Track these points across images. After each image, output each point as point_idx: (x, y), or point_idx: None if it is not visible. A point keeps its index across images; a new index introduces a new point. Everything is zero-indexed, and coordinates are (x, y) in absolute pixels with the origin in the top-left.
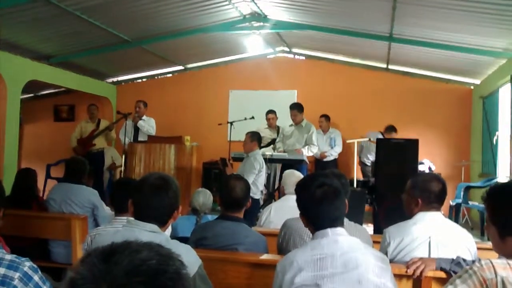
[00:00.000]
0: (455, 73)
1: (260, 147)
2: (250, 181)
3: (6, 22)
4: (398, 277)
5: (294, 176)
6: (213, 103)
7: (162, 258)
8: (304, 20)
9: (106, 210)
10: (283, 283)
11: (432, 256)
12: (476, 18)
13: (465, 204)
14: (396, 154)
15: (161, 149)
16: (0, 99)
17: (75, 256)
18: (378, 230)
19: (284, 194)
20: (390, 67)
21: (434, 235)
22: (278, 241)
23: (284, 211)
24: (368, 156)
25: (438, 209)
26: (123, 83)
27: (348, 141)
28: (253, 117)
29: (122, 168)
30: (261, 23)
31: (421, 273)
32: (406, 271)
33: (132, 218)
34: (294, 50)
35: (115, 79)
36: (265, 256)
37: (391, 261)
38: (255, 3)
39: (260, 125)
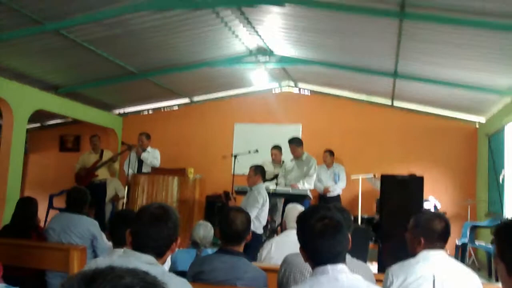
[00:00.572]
0: (460, 111)
1: (264, 181)
2: (253, 215)
3: (15, 52)
4: None
5: (296, 210)
6: (218, 136)
7: (145, 285)
8: (310, 55)
9: (105, 241)
10: None
11: None
12: (480, 56)
13: (472, 244)
14: (401, 191)
15: (164, 180)
16: (6, 127)
17: None
18: (382, 269)
19: (286, 229)
20: (395, 103)
21: (438, 273)
22: (279, 278)
23: (286, 246)
24: None
25: (442, 247)
26: (129, 115)
27: (352, 177)
28: (257, 151)
29: (125, 200)
30: (267, 58)
31: None
32: None
33: (129, 250)
34: (300, 84)
35: (121, 111)
36: None
37: None
38: (262, 39)
39: (265, 159)
